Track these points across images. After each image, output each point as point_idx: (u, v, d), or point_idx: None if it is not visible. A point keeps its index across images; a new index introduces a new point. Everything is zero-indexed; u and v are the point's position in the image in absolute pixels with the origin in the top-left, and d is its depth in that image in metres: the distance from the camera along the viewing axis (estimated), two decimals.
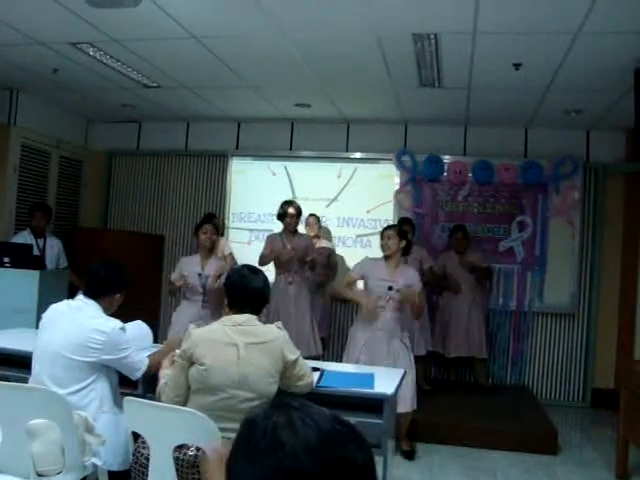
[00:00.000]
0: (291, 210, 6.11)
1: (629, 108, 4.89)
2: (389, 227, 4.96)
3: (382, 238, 4.84)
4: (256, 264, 5.79)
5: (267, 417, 0.98)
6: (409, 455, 4.96)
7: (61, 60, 5.54)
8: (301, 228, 6.48)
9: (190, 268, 5.40)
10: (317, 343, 6.00)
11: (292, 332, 5.83)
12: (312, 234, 6.69)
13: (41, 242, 6.44)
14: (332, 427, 0.97)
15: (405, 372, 3.95)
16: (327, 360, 5.75)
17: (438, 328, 6.64)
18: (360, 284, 5.12)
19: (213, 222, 5.65)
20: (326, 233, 7.27)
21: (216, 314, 5.16)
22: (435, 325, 6.66)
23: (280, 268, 6.10)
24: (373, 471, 0.98)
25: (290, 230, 6.13)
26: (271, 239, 6.21)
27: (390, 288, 4.68)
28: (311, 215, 6.89)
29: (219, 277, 5.27)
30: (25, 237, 6.35)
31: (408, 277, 4.73)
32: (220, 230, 5.68)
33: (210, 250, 5.51)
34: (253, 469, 0.92)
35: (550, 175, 6.95)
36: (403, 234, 4.85)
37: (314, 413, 0.99)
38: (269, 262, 6.08)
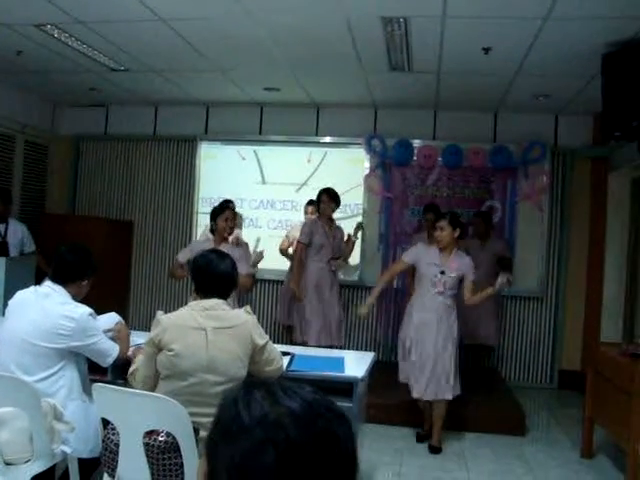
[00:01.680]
0: (325, 197, 6.07)
1: (597, 93, 4.93)
2: (439, 216, 4.91)
3: (434, 229, 4.82)
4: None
5: (247, 393, 0.97)
6: (435, 450, 4.85)
7: (25, 42, 5.42)
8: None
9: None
10: (341, 333, 6.05)
11: (322, 320, 5.89)
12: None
13: (2, 228, 6.31)
14: (313, 398, 0.98)
15: (375, 356, 3.97)
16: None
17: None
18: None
19: (232, 208, 5.51)
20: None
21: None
22: None
23: (318, 254, 6.06)
24: (353, 443, 0.98)
25: (327, 217, 6.12)
26: (310, 225, 6.14)
27: (442, 272, 4.72)
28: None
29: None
30: None
31: (461, 265, 4.76)
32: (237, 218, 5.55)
33: (225, 238, 5.30)
34: (239, 444, 0.90)
35: (519, 159, 7.00)
36: (456, 222, 4.81)
37: (294, 386, 0.99)
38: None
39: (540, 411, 6.29)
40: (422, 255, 4.87)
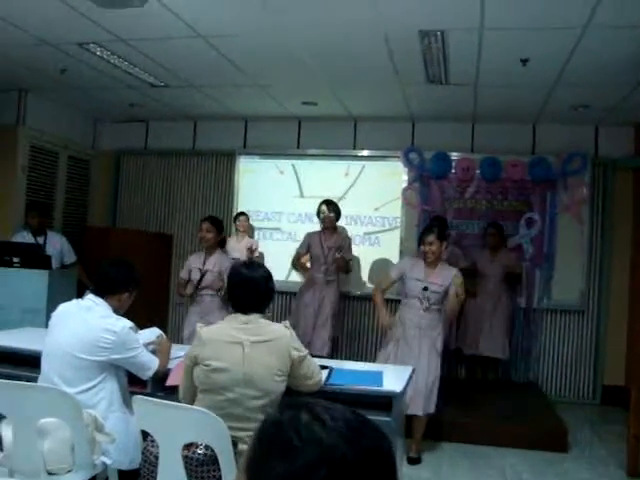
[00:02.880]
0: (323, 207, 6.28)
1: (638, 102, 4.86)
2: (429, 231, 4.80)
3: (423, 244, 4.74)
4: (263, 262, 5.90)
5: (294, 416, 0.97)
6: (414, 461, 4.80)
7: (69, 60, 5.56)
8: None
9: (194, 264, 5.49)
10: (329, 343, 6.12)
11: (307, 331, 6.00)
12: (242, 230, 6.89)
13: (41, 240, 6.41)
14: (355, 419, 0.99)
15: (413, 370, 3.93)
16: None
17: (462, 325, 6.59)
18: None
19: (214, 220, 5.63)
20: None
21: (220, 308, 5.37)
22: (460, 322, 6.56)
23: (314, 264, 6.33)
24: (395, 458, 1.00)
25: (325, 227, 6.29)
26: (309, 237, 6.41)
27: (425, 289, 4.68)
28: (241, 214, 7.04)
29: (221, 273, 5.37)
30: (24, 236, 6.35)
31: (447, 277, 4.70)
32: (224, 228, 5.71)
33: (212, 247, 5.52)
34: (291, 464, 0.91)
35: (558, 171, 6.92)
36: (442, 236, 4.79)
37: (334, 408, 1.00)
38: (298, 261, 6.36)
39: (583, 427, 6.14)
40: (407, 270, 4.83)
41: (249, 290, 2.91)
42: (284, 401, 1.07)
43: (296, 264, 6.40)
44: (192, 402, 2.82)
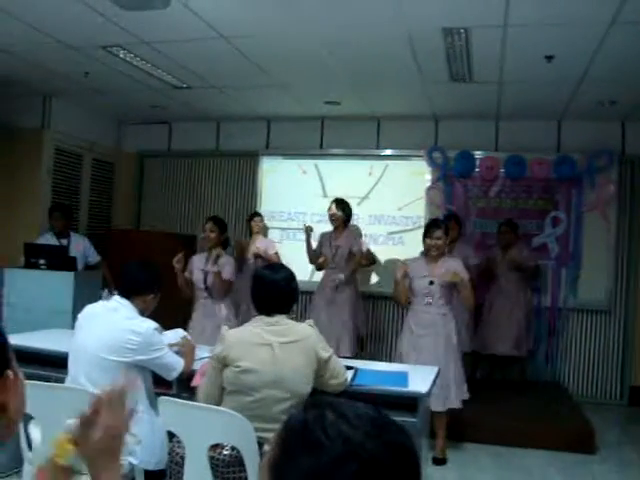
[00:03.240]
0: (331, 205, 6.20)
1: None
2: (436, 226, 4.78)
3: (430, 238, 4.72)
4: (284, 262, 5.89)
5: (319, 415, 0.98)
6: (440, 462, 4.75)
7: (92, 64, 5.60)
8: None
9: (197, 265, 5.45)
10: (349, 344, 6.02)
11: (323, 330, 5.95)
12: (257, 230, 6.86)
13: (64, 242, 6.49)
14: (379, 417, 1.00)
15: (439, 370, 3.90)
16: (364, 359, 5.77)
17: (478, 326, 6.52)
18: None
19: (216, 219, 5.60)
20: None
21: (225, 308, 5.45)
22: (478, 321, 6.51)
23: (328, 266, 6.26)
24: (419, 457, 1.01)
25: (336, 227, 6.20)
26: (322, 236, 6.36)
27: (431, 283, 4.68)
28: (256, 215, 6.98)
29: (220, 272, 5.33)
30: (47, 238, 6.42)
31: (450, 269, 4.67)
32: (227, 228, 5.70)
33: (215, 247, 5.45)
34: (319, 460, 0.92)
35: (584, 169, 6.83)
36: (447, 231, 4.84)
37: (357, 407, 1.01)
38: (315, 260, 6.28)
39: (610, 428, 6.02)
40: (412, 270, 4.78)
41: (272, 292, 2.92)
42: (307, 401, 1.07)
43: (313, 261, 6.36)
44: (218, 403, 2.82)
